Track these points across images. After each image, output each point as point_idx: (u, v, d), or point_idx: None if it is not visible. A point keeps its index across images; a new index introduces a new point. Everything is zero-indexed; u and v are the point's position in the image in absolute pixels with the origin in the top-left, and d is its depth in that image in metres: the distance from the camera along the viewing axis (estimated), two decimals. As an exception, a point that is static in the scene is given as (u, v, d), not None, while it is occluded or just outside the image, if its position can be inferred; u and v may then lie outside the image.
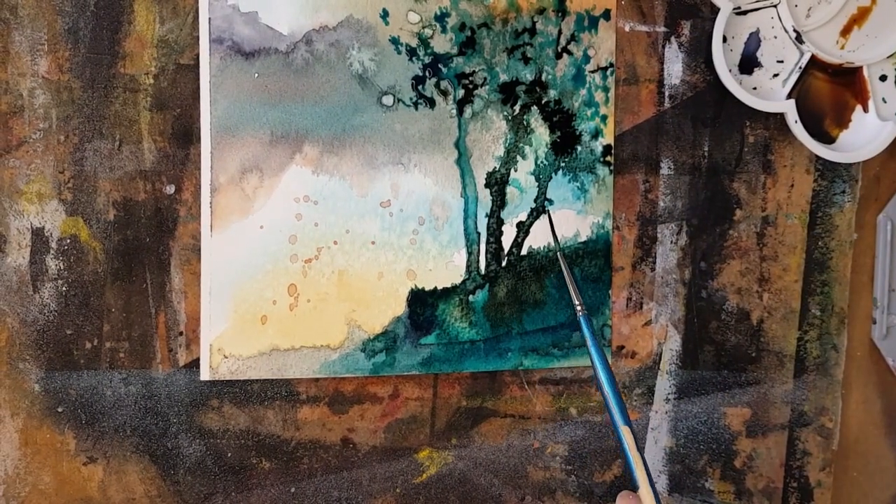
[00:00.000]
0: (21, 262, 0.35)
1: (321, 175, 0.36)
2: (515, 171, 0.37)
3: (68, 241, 0.35)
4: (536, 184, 0.37)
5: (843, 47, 0.39)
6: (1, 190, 0.34)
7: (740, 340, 0.40)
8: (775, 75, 0.38)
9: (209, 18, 0.35)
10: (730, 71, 0.37)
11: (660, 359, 0.39)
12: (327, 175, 0.36)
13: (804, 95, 0.39)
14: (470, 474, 0.38)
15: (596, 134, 0.38)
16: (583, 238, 0.38)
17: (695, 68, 0.38)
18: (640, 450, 0.33)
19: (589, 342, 0.34)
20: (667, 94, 0.38)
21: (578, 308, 0.35)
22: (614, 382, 0.33)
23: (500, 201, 0.37)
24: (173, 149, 0.35)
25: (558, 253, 0.37)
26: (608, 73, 0.38)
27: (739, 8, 0.37)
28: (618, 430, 0.33)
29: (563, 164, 0.38)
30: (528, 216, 0.37)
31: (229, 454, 0.36)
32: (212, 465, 0.36)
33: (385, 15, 0.36)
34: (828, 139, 0.39)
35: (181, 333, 0.36)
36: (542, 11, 0.37)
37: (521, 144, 0.37)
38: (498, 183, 0.37)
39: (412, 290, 0.37)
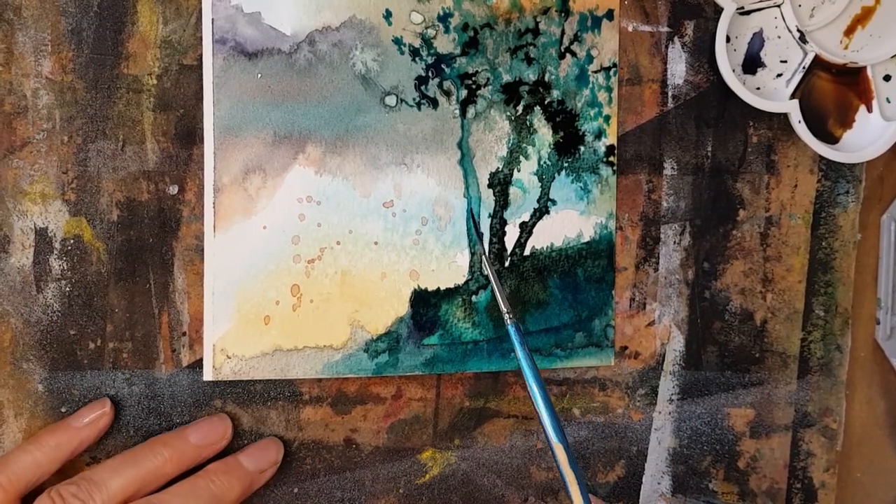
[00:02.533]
0: (25, 263, 0.35)
1: (324, 175, 0.36)
2: (518, 171, 0.37)
3: (72, 241, 0.35)
4: (539, 184, 0.37)
5: (846, 47, 0.39)
6: (5, 190, 0.34)
7: (744, 341, 0.40)
8: (779, 75, 0.38)
9: (212, 19, 0.35)
10: (733, 71, 0.37)
11: (663, 359, 0.39)
12: (330, 175, 0.36)
13: (808, 95, 0.39)
14: (473, 475, 0.38)
15: (599, 134, 0.38)
16: (586, 238, 0.38)
17: (698, 68, 0.38)
18: (579, 464, 0.32)
19: (518, 353, 0.34)
20: (670, 94, 0.38)
21: (507, 317, 0.34)
22: (547, 396, 0.33)
23: (503, 202, 0.37)
24: (176, 149, 0.35)
25: (483, 258, 0.36)
26: (611, 73, 0.38)
27: (743, 8, 0.37)
28: (551, 446, 0.32)
29: (566, 165, 0.38)
30: (531, 216, 0.37)
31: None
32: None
33: (388, 15, 0.36)
34: (831, 139, 0.39)
35: (184, 334, 0.36)
36: (545, 11, 0.37)
37: (524, 145, 0.37)
38: (501, 183, 0.37)
39: (415, 290, 0.37)
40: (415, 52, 0.36)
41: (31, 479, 0.32)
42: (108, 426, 0.35)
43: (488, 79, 0.37)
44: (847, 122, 0.39)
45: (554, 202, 0.38)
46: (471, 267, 0.37)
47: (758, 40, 0.38)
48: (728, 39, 0.37)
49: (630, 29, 0.38)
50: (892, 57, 0.38)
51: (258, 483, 0.35)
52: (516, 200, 0.37)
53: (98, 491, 0.31)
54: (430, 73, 0.36)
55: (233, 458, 0.35)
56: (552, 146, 0.37)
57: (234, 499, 0.33)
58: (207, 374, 0.35)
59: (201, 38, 0.35)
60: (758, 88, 0.38)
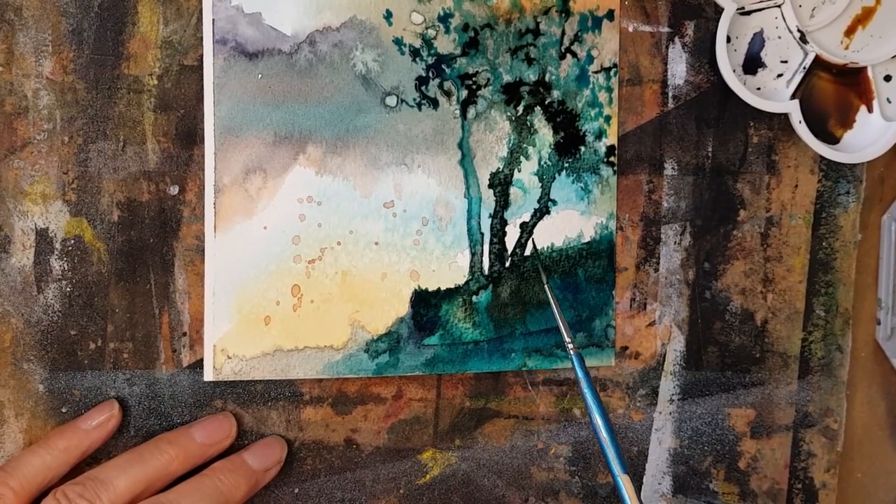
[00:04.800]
0: (25, 263, 0.35)
1: (324, 176, 0.36)
2: (519, 171, 0.37)
3: (72, 241, 0.35)
4: (540, 184, 0.37)
5: (847, 47, 0.39)
6: (5, 191, 0.34)
7: (744, 341, 0.40)
8: (779, 75, 0.38)
9: (213, 20, 0.35)
10: (734, 71, 0.37)
11: (664, 359, 0.39)
12: (331, 176, 0.36)
13: (808, 96, 0.39)
14: (473, 475, 0.38)
15: (599, 134, 0.38)
16: (586, 239, 0.38)
17: (698, 69, 0.38)
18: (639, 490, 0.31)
19: (584, 385, 0.33)
20: (670, 94, 0.38)
21: (570, 347, 0.34)
22: (612, 428, 0.32)
23: (503, 202, 0.37)
24: (177, 150, 0.35)
25: (546, 287, 0.35)
26: (612, 73, 0.38)
27: (743, 8, 0.37)
28: (617, 478, 0.31)
29: (566, 165, 0.38)
30: (532, 217, 0.37)
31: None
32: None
33: (388, 16, 0.36)
34: (832, 139, 0.39)
35: (185, 334, 0.36)
36: (545, 12, 0.37)
37: (525, 145, 0.37)
38: (501, 184, 0.37)
39: (415, 290, 0.37)
40: (415, 53, 0.36)
41: (41, 482, 0.32)
42: (117, 428, 0.35)
43: (489, 79, 0.37)
44: (847, 123, 0.39)
45: (554, 202, 0.38)
46: (471, 267, 0.37)
47: (758, 40, 0.38)
48: (728, 40, 0.37)
49: (630, 29, 0.38)
50: (893, 57, 0.38)
51: (263, 482, 0.35)
52: (517, 201, 0.37)
53: (105, 490, 0.31)
54: (430, 74, 0.36)
55: (238, 456, 0.35)
56: (552, 146, 0.37)
57: (241, 498, 0.33)
58: (208, 375, 0.35)
59: (202, 39, 0.35)
60: (758, 89, 0.38)
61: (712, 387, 0.40)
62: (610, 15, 0.37)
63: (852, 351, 0.41)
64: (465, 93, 0.37)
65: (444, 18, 0.36)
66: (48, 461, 0.32)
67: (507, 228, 0.37)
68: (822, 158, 0.39)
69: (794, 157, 0.39)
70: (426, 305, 0.37)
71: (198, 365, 0.36)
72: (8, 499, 0.31)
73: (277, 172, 0.35)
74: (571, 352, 0.33)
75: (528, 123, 0.37)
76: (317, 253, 0.36)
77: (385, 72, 0.36)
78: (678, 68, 0.38)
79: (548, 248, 0.38)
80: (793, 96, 0.38)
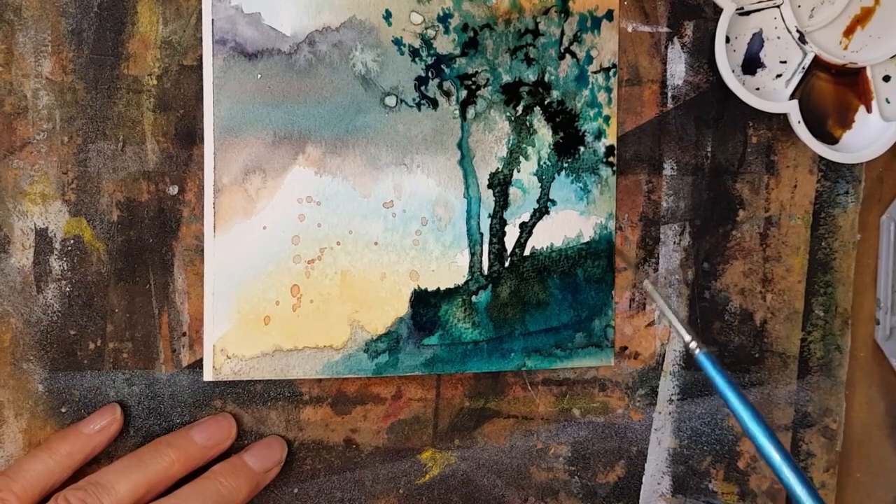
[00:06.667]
0: (25, 263, 0.35)
1: (324, 176, 0.36)
2: (518, 171, 0.37)
3: (72, 241, 0.35)
4: (539, 184, 0.37)
5: (846, 48, 0.39)
6: (5, 191, 0.34)
7: (743, 341, 0.40)
8: (778, 76, 0.38)
9: (212, 20, 0.35)
10: (733, 71, 0.37)
11: (663, 359, 0.39)
12: (330, 176, 0.36)
13: (807, 96, 0.39)
14: (473, 475, 0.38)
15: (599, 135, 0.38)
16: (585, 239, 0.38)
17: (698, 69, 0.38)
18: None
19: (720, 384, 0.28)
20: (669, 94, 0.38)
21: (693, 345, 0.29)
22: (769, 430, 0.27)
23: (502, 202, 0.37)
24: (176, 150, 0.35)
25: (649, 286, 0.32)
26: (611, 73, 0.38)
27: (742, 8, 0.37)
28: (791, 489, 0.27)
29: (565, 165, 0.38)
30: (531, 217, 0.37)
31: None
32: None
33: (388, 16, 0.36)
34: (831, 140, 0.39)
35: (184, 334, 0.36)
36: (545, 12, 0.37)
37: (524, 145, 0.37)
38: (501, 184, 0.37)
39: (415, 290, 0.37)
40: (414, 53, 0.36)
41: (43, 486, 0.32)
42: (119, 432, 0.35)
43: (488, 79, 0.37)
44: (846, 123, 0.39)
45: (554, 202, 0.38)
46: (470, 267, 0.37)
47: (757, 41, 0.38)
48: (727, 40, 0.37)
49: (630, 29, 0.38)
50: (892, 57, 0.38)
51: (264, 483, 0.35)
52: (516, 201, 0.37)
53: (106, 494, 0.31)
54: (429, 74, 0.36)
55: (238, 458, 0.35)
56: (552, 146, 0.37)
57: (242, 500, 0.33)
58: (207, 375, 0.35)
59: (201, 39, 0.35)
60: (757, 89, 0.38)
61: (711, 387, 0.40)
62: (609, 15, 0.37)
63: (851, 351, 0.41)
64: (464, 93, 0.37)
65: (444, 18, 0.36)
66: (51, 466, 0.32)
67: (506, 228, 0.37)
68: (821, 158, 0.39)
69: (793, 157, 0.39)
70: (426, 305, 0.37)
71: (197, 365, 0.36)
72: None
73: (277, 172, 0.35)
74: (697, 351, 0.29)
75: (528, 123, 0.37)
76: (316, 253, 0.36)
77: (384, 72, 0.36)
78: (677, 68, 0.38)
79: (547, 248, 0.38)
80: (792, 96, 0.38)
